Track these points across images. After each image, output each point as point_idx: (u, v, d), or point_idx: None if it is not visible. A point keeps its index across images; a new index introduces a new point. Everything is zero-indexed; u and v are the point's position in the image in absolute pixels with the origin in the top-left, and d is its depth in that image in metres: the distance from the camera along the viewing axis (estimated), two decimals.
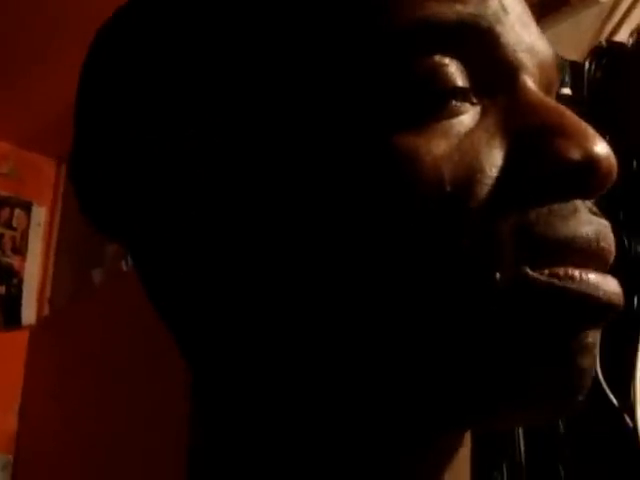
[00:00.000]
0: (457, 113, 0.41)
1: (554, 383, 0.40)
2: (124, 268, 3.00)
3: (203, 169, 0.43)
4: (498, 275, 0.39)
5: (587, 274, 0.39)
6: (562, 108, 0.42)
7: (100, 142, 0.47)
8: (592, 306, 0.39)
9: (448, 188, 0.39)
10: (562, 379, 0.40)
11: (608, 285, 0.40)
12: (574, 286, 0.39)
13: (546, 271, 0.39)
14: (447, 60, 0.41)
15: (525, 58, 0.43)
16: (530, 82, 0.43)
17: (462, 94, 0.41)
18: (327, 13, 0.42)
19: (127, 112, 0.46)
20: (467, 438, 0.45)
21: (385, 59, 0.41)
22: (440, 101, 0.41)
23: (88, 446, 2.83)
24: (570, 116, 0.41)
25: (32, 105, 3.25)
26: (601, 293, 0.40)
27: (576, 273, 0.39)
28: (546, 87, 0.45)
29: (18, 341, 3.40)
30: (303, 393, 0.43)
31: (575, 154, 0.40)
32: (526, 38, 0.44)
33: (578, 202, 0.40)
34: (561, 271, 0.39)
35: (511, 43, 0.43)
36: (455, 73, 0.41)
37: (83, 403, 2.94)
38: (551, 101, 0.42)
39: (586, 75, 1.54)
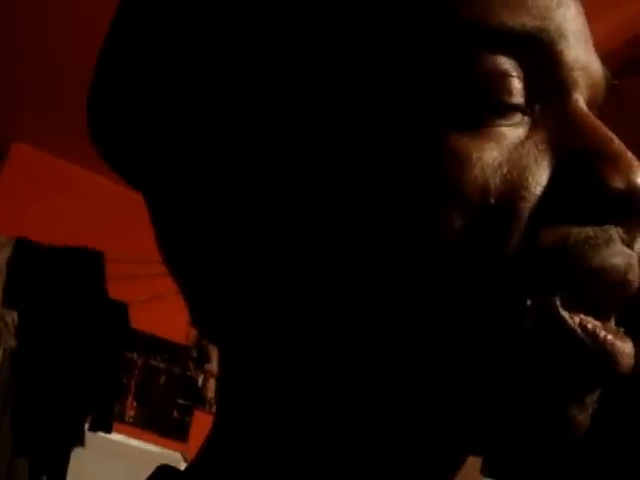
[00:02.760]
0: (510, 120, 0.41)
1: (547, 431, 0.40)
2: None
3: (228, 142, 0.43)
4: (529, 301, 0.39)
5: (612, 338, 0.40)
6: (610, 134, 0.42)
7: (121, 91, 0.47)
8: (604, 371, 0.40)
9: (492, 200, 0.39)
10: (556, 429, 0.40)
11: (625, 350, 0.40)
12: (595, 345, 0.39)
13: (577, 318, 0.39)
14: (508, 65, 0.41)
15: (579, 77, 0.43)
16: (581, 101, 0.43)
17: (517, 101, 0.41)
18: (388, 8, 0.42)
19: (147, 78, 0.46)
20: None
21: (447, 57, 0.40)
22: (496, 107, 0.40)
23: None
24: (617, 144, 0.41)
25: None
26: (619, 360, 0.40)
27: (601, 334, 0.39)
28: (593, 104, 0.45)
29: None
30: (317, 392, 0.43)
31: (618, 182, 0.40)
32: (583, 56, 0.44)
33: (613, 231, 0.40)
34: (590, 324, 0.39)
35: (569, 61, 0.43)
36: (514, 81, 0.41)
37: None
38: (601, 125, 0.42)
39: None
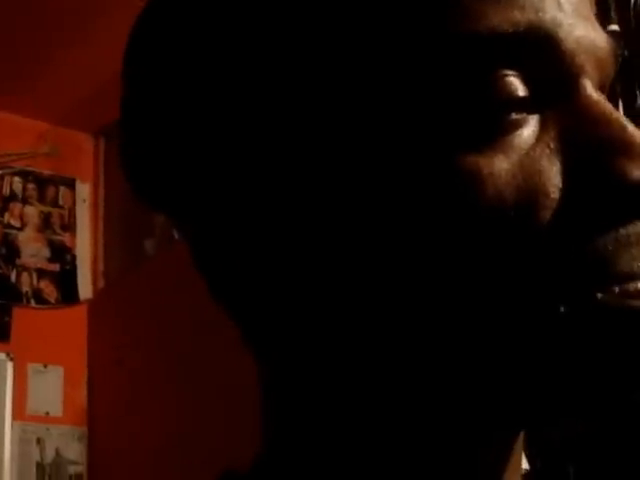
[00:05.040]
0: (517, 126, 0.41)
1: (622, 396, 0.40)
2: (175, 236, 3.05)
3: (253, 159, 0.44)
4: (563, 301, 0.39)
5: None
6: (621, 120, 0.41)
7: (149, 124, 0.47)
8: None
9: (511, 213, 0.39)
10: (630, 392, 0.40)
11: None
12: None
13: (616, 289, 0.39)
14: (506, 72, 0.40)
15: (585, 60, 0.43)
16: (590, 87, 0.42)
17: (522, 105, 0.41)
18: (383, 26, 0.41)
19: (171, 97, 0.46)
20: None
21: (443, 74, 0.40)
22: (500, 115, 0.40)
23: (157, 410, 2.94)
24: (630, 131, 0.41)
25: (65, 83, 3.26)
26: None
27: None
28: (603, 82, 0.44)
29: (78, 316, 3.49)
30: (368, 385, 0.44)
31: (635, 173, 0.39)
32: (584, 36, 0.43)
33: None
34: (631, 287, 0.39)
35: (571, 48, 0.42)
36: (514, 84, 0.41)
37: (146, 369, 3.04)
38: (611, 111, 0.42)
39: (632, 8, 1.55)
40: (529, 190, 0.39)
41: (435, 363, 0.41)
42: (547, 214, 0.39)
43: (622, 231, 0.39)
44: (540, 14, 0.41)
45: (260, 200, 0.44)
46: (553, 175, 0.40)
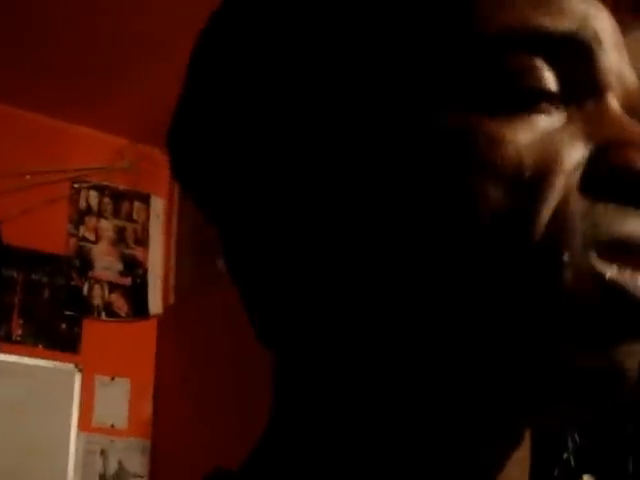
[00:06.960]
0: (544, 111, 0.43)
1: (597, 380, 0.41)
2: None
3: (282, 156, 0.46)
4: (566, 256, 0.40)
5: None
6: None
7: (201, 117, 0.50)
8: None
9: (527, 174, 0.41)
10: (606, 378, 0.40)
11: None
12: (635, 289, 0.40)
13: (614, 267, 0.40)
14: (544, 64, 0.43)
15: (614, 82, 0.45)
16: (615, 102, 0.45)
17: (551, 98, 0.43)
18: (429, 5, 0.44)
19: (227, 96, 0.48)
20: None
21: (485, 51, 0.43)
22: (530, 99, 0.43)
23: (221, 426, 2.94)
24: None
25: (143, 99, 3.30)
26: None
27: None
28: (629, 111, 0.46)
29: (147, 330, 3.51)
30: (367, 381, 0.44)
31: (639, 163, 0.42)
32: (617, 64, 0.46)
33: None
34: (628, 271, 0.40)
35: (604, 66, 0.45)
36: (549, 78, 0.43)
37: (212, 385, 3.04)
38: (635, 123, 0.44)
39: None
40: (546, 159, 0.41)
41: (432, 344, 0.42)
42: (560, 179, 0.41)
43: (623, 205, 0.41)
44: (583, 27, 0.44)
45: (277, 198, 0.46)
46: (571, 153, 0.42)
